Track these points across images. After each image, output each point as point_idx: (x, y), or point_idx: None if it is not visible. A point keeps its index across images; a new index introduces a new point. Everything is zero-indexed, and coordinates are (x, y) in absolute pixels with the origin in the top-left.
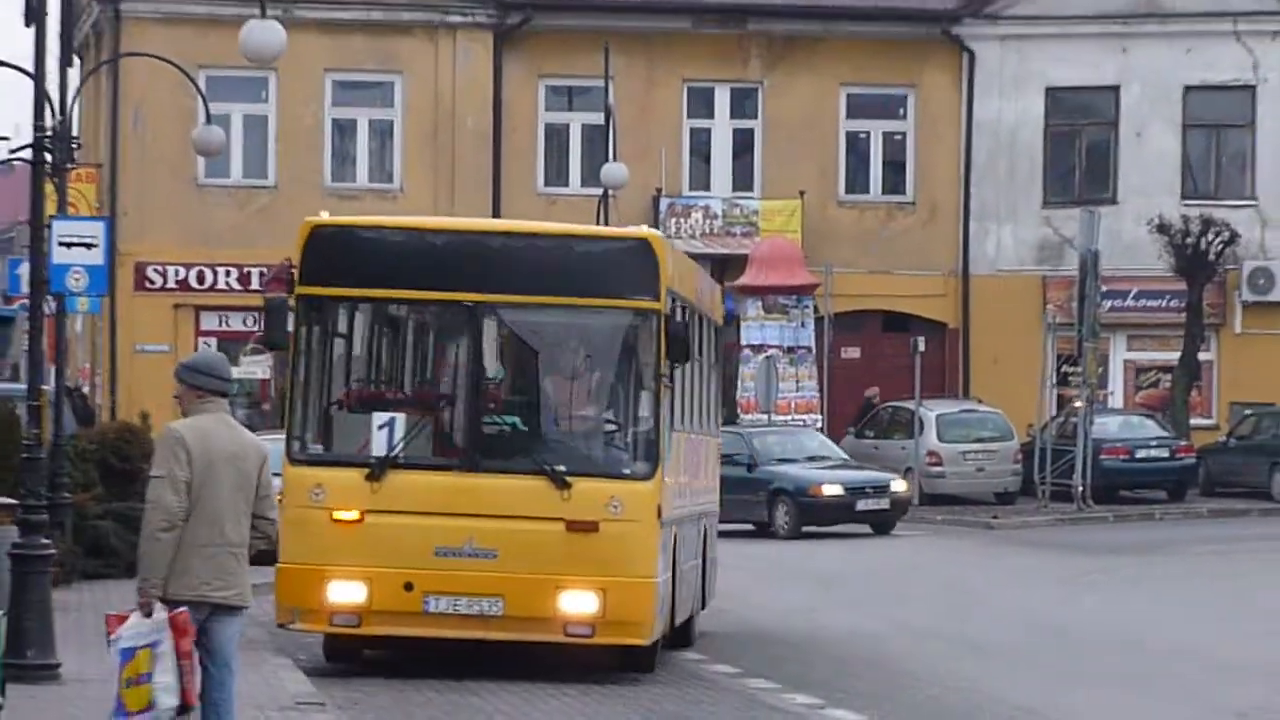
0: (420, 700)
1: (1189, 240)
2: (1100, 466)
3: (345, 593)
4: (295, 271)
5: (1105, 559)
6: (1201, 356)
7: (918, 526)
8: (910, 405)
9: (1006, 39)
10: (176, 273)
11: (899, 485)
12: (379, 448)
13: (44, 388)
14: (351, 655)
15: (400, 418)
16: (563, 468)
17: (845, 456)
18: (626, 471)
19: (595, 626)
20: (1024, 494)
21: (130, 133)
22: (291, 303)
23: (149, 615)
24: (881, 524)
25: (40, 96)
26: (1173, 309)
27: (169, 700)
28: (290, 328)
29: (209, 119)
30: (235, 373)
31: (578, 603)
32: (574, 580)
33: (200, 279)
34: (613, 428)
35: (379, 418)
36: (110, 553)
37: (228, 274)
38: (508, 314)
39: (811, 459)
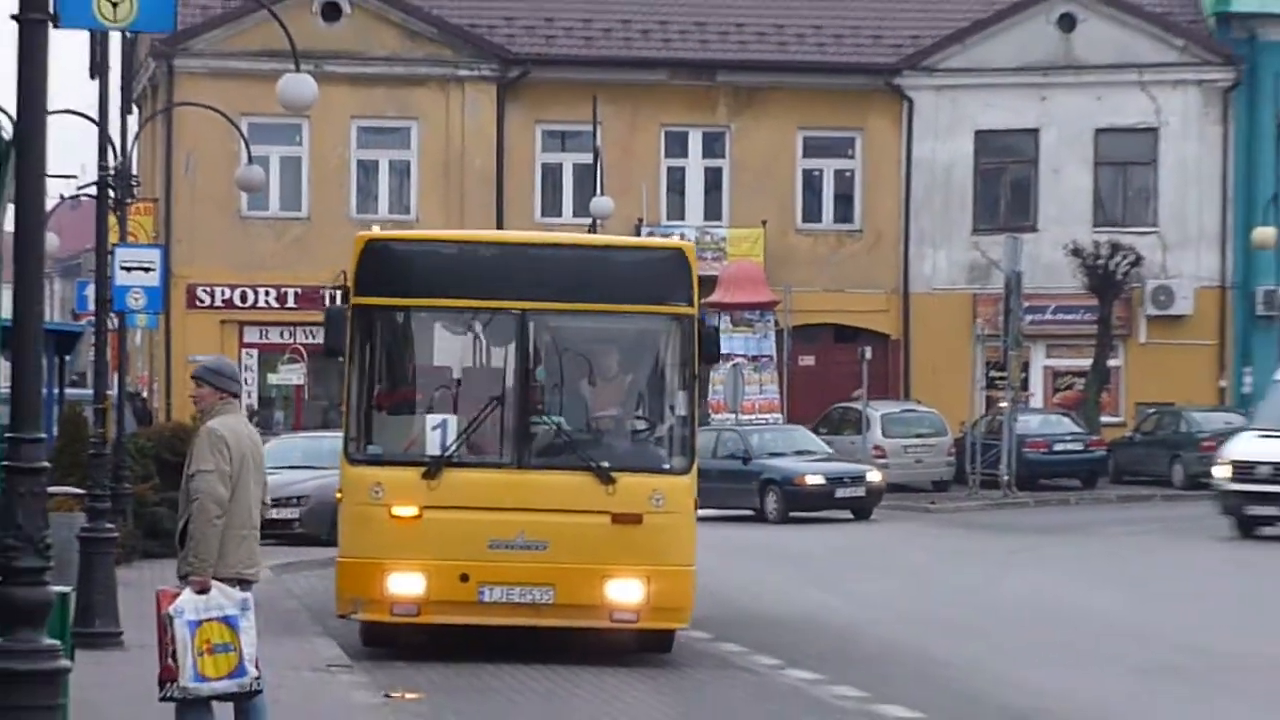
0: (450, 673)
1: (1099, 262)
2: (1023, 458)
3: (405, 584)
4: (350, 284)
5: (1030, 538)
6: (1111, 363)
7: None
8: (859, 406)
9: (941, 88)
10: (222, 293)
11: (874, 476)
12: (434, 447)
13: (108, 393)
14: (388, 640)
15: (453, 419)
16: (607, 464)
17: (830, 451)
18: (666, 466)
19: (639, 613)
20: (957, 482)
21: (182, 172)
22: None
23: (202, 593)
24: (860, 510)
25: (104, 141)
26: (1086, 322)
27: (252, 670)
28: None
29: (250, 160)
30: (273, 380)
31: (623, 591)
32: (620, 569)
33: (243, 298)
34: (652, 425)
35: (433, 419)
36: (166, 535)
37: (267, 294)
38: (552, 320)
39: (799, 453)
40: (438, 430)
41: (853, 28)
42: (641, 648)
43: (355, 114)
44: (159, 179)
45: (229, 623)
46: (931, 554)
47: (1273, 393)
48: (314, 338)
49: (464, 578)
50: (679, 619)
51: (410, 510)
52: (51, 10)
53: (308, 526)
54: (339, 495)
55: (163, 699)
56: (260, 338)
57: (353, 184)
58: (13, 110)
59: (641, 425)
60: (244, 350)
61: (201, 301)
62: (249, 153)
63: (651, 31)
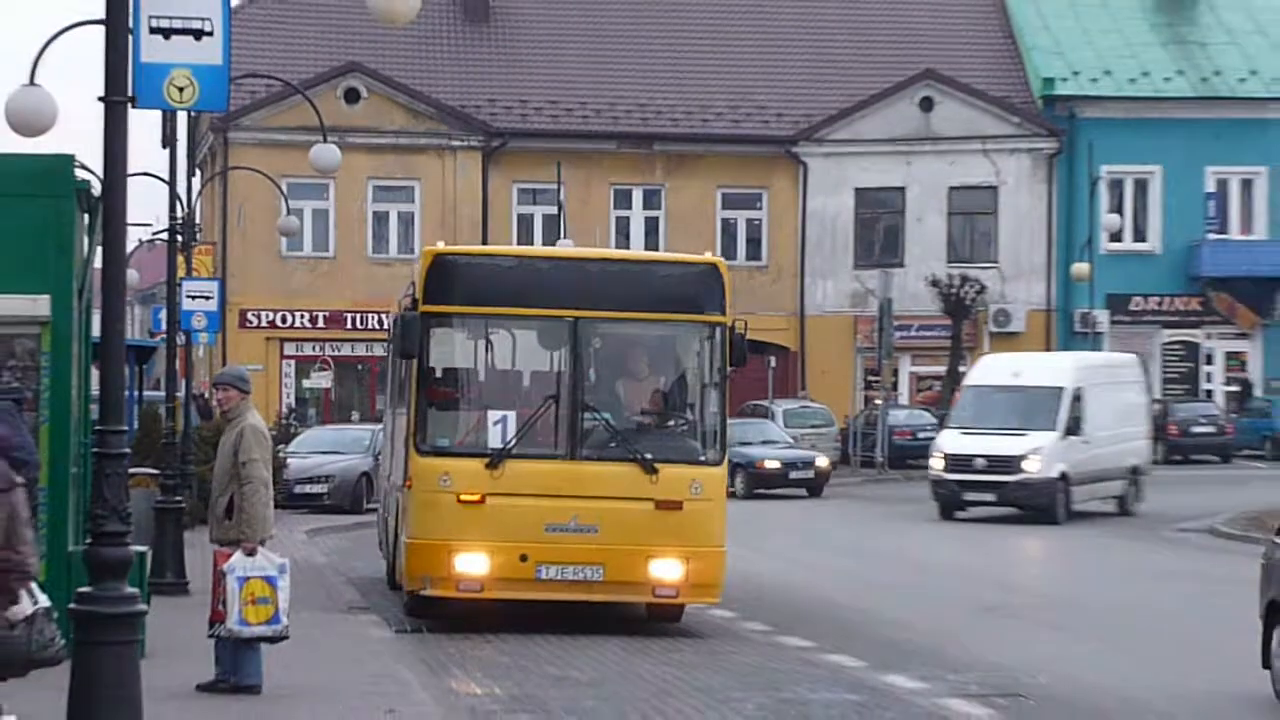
0: (479, 639)
1: (952, 291)
2: (893, 444)
3: (470, 563)
4: (419, 294)
5: (901, 506)
6: (961, 369)
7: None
8: (765, 403)
9: (828, 155)
10: (266, 316)
11: (822, 461)
12: (495, 440)
13: (177, 395)
14: (429, 613)
15: (512, 415)
16: (650, 456)
17: (791, 440)
18: (702, 458)
19: (679, 589)
20: (842, 463)
21: (234, 221)
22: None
23: (250, 555)
24: (813, 489)
25: (173, 197)
26: (942, 338)
27: (284, 620)
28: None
29: (288, 211)
30: (306, 384)
31: (666, 569)
32: (662, 550)
33: (283, 320)
34: (689, 422)
35: (494, 415)
36: None
37: (301, 317)
38: (600, 327)
39: (766, 442)
40: (499, 425)
41: (760, 107)
42: (652, 617)
43: (371, 175)
44: (217, 226)
45: (270, 581)
46: (822, 519)
47: (965, 396)
48: (339, 350)
49: (523, 558)
50: (713, 595)
51: (475, 497)
52: (131, 93)
53: (334, 499)
54: (408, 483)
55: (210, 636)
56: (296, 351)
57: (369, 230)
58: (100, 172)
59: (680, 421)
60: (284, 361)
61: (250, 322)
62: (287, 206)
63: (603, 110)
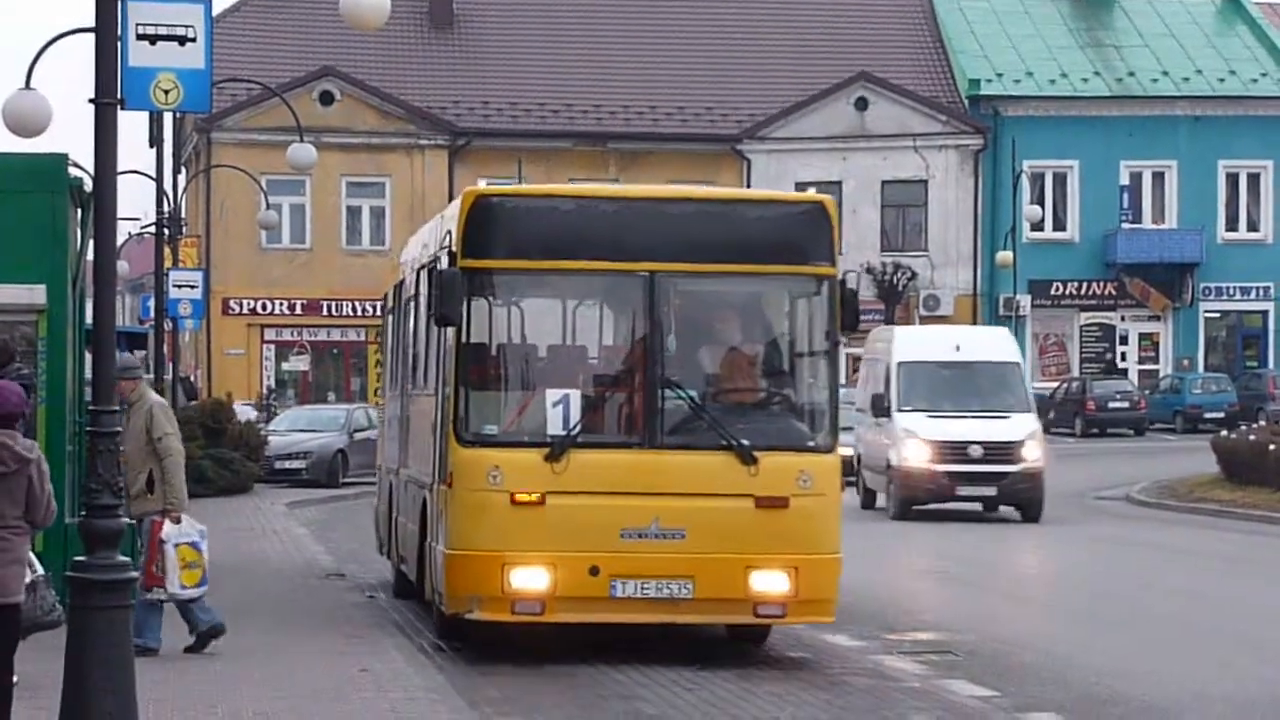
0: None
1: (886, 278)
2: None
3: (528, 579)
4: (456, 246)
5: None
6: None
7: None
8: None
9: (771, 152)
10: (248, 304)
11: None
12: (556, 426)
13: (165, 377)
14: (463, 634)
15: (576, 394)
16: (747, 442)
17: None
18: (811, 444)
19: (786, 606)
20: None
21: (218, 215)
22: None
23: (178, 523)
24: None
25: (160, 193)
26: (877, 321)
27: (208, 581)
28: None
29: (268, 206)
30: (285, 367)
31: (769, 582)
32: (765, 559)
33: (263, 308)
34: (794, 398)
35: (553, 395)
36: (208, 480)
37: (280, 304)
38: (684, 284)
39: None
40: (559, 407)
41: (707, 108)
42: (733, 637)
43: (344, 173)
44: (201, 220)
45: (195, 546)
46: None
47: (904, 374)
48: (316, 335)
49: (594, 571)
50: (827, 612)
51: (533, 497)
52: (120, 96)
53: (311, 474)
54: (446, 481)
55: (149, 601)
56: (276, 336)
57: (343, 224)
58: (91, 170)
59: (782, 399)
60: (264, 345)
61: (232, 310)
62: (267, 201)
63: (560, 111)
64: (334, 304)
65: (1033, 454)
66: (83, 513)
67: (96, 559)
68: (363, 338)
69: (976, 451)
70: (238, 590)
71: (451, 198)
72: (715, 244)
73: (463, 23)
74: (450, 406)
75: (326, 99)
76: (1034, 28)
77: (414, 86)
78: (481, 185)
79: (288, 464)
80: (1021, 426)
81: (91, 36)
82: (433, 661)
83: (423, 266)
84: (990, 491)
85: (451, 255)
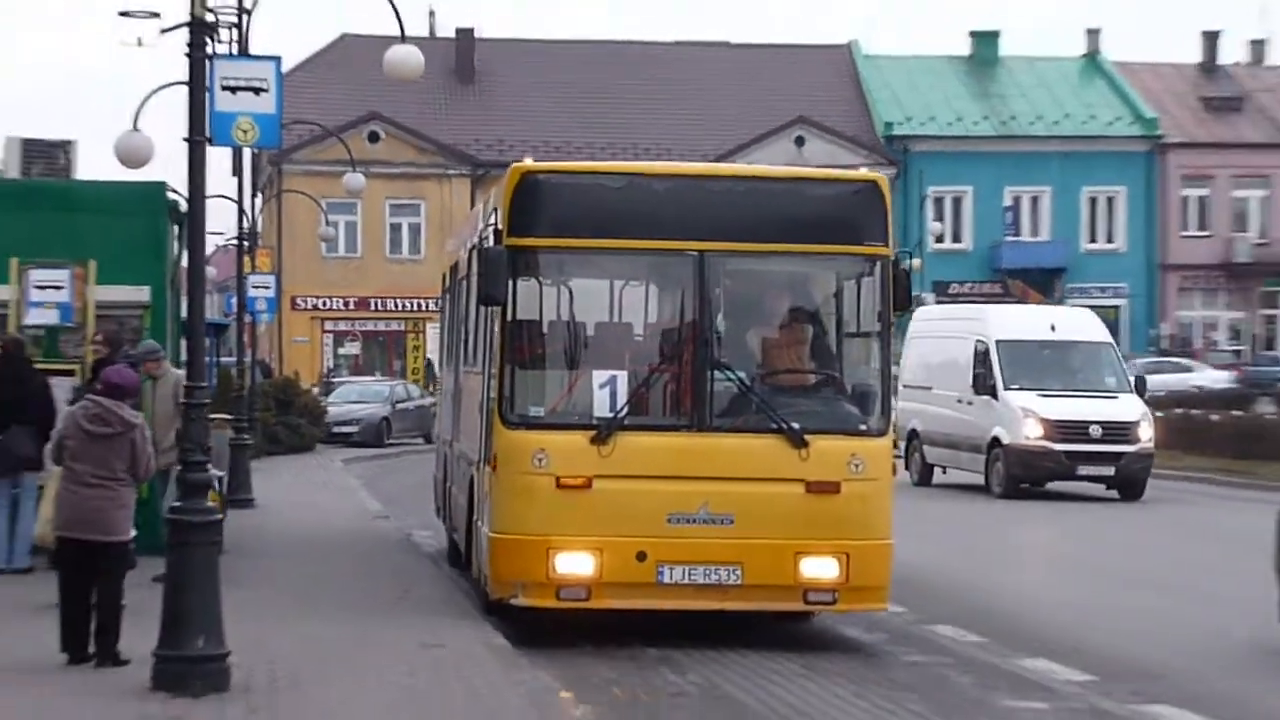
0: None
1: None
2: None
3: (574, 564)
4: (503, 223)
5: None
6: None
7: None
8: None
9: None
10: (311, 301)
11: None
12: (603, 409)
13: (245, 360)
14: (507, 613)
15: (623, 375)
16: (798, 425)
17: None
18: (863, 427)
19: (838, 593)
20: None
21: (287, 230)
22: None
23: None
24: None
25: (240, 213)
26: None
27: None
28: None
29: (327, 223)
30: (340, 351)
31: (820, 568)
32: (816, 545)
33: (323, 304)
34: (846, 381)
35: (600, 376)
36: (279, 441)
37: (337, 301)
38: (735, 263)
39: None
40: (606, 389)
41: (676, 143)
42: (779, 617)
43: (388, 196)
44: (273, 234)
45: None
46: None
47: (1002, 352)
48: (365, 326)
49: (641, 556)
50: (879, 599)
51: (579, 480)
52: (208, 135)
53: (361, 437)
54: (492, 463)
55: None
56: (333, 327)
57: (386, 237)
58: (185, 194)
59: (834, 381)
60: (324, 334)
61: (299, 306)
62: (326, 219)
63: (560, 148)
64: (380, 301)
65: (1146, 434)
66: (179, 467)
67: (191, 505)
68: (403, 328)
69: (1097, 431)
70: (306, 528)
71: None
72: (767, 223)
73: (481, 77)
74: (496, 387)
75: (373, 137)
76: (936, 81)
77: (443, 127)
78: (528, 161)
79: (342, 429)
80: (1134, 407)
81: (185, 88)
82: (459, 586)
83: (473, 246)
84: (1109, 471)
85: (497, 233)
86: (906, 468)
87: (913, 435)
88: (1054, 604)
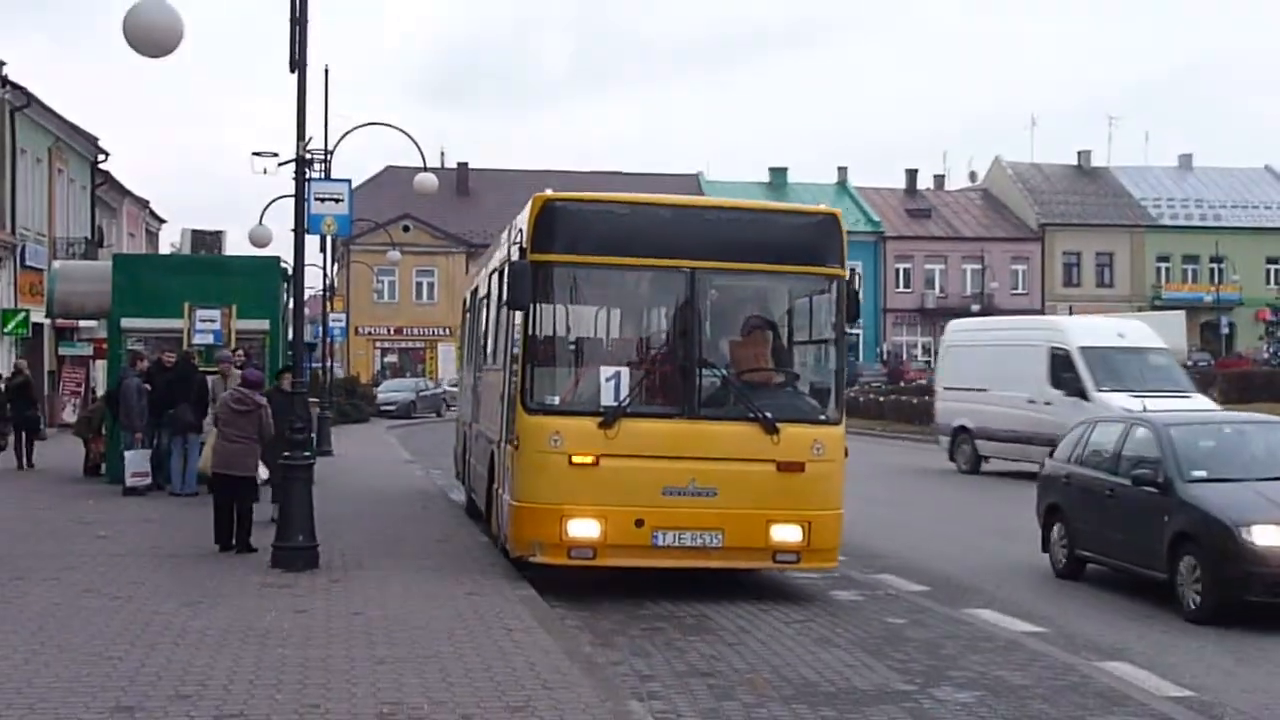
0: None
1: None
2: None
3: (582, 529)
4: (527, 242)
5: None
6: None
7: None
8: None
9: None
10: (369, 330)
11: None
12: (608, 398)
13: (327, 365)
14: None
15: (626, 371)
16: (771, 415)
17: None
18: (823, 417)
19: (800, 554)
20: None
21: (353, 287)
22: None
23: None
24: None
25: (324, 276)
26: None
27: None
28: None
29: (377, 282)
30: (385, 361)
31: (787, 534)
32: (783, 514)
33: (374, 332)
34: (809, 379)
35: (607, 371)
36: (347, 415)
37: (387, 329)
38: (719, 279)
39: None
40: (611, 382)
41: None
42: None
43: (414, 266)
44: (344, 287)
45: None
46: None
47: (1086, 358)
48: (399, 346)
49: (639, 523)
50: (832, 559)
51: (588, 458)
52: (305, 227)
53: (398, 413)
54: (514, 442)
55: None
56: (381, 346)
57: (413, 292)
58: (289, 261)
59: (800, 378)
60: (374, 350)
61: (360, 333)
62: (376, 279)
63: None
64: (409, 329)
65: None
66: (289, 430)
67: (295, 455)
68: (422, 347)
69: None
70: (365, 470)
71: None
72: (746, 246)
73: (474, 190)
74: (519, 379)
75: (406, 228)
76: (753, 197)
77: (448, 220)
78: (549, 191)
79: (386, 407)
80: (1206, 405)
81: (292, 199)
82: (476, 524)
83: (493, 271)
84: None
85: (522, 250)
86: (952, 459)
87: (959, 430)
88: (935, 548)
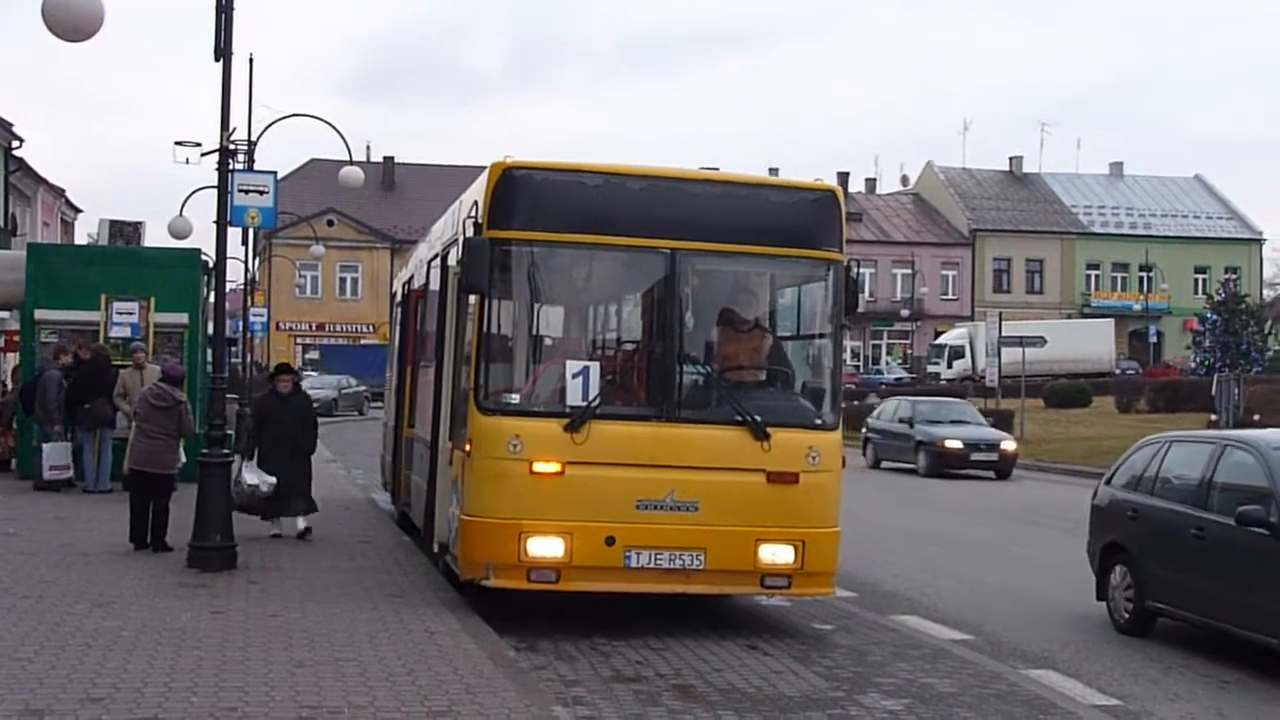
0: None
1: None
2: None
3: (544, 547)
4: (483, 216)
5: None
6: None
7: None
8: None
9: None
10: (290, 325)
11: (1009, 444)
12: (576, 397)
13: (247, 359)
14: (478, 591)
15: (595, 366)
16: (760, 418)
17: (984, 422)
18: (818, 421)
19: (792, 578)
20: None
21: (275, 281)
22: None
23: None
24: (1000, 471)
25: (246, 269)
26: None
27: None
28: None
29: (300, 276)
30: (306, 358)
31: (778, 555)
32: (774, 532)
33: (295, 327)
34: (803, 378)
35: (574, 366)
36: None
37: (308, 325)
38: (704, 262)
39: (956, 421)
40: (579, 378)
41: None
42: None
43: (338, 260)
44: (266, 281)
45: None
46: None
47: None
48: (321, 342)
49: (610, 540)
50: (828, 584)
51: (552, 466)
52: (228, 219)
53: (321, 410)
54: (466, 447)
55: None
56: (303, 343)
57: (336, 286)
58: (210, 254)
59: (794, 377)
60: (295, 345)
61: (282, 328)
62: (298, 273)
63: None
64: (331, 325)
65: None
66: (207, 428)
67: (213, 453)
68: (346, 343)
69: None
70: None
71: (392, 278)
72: (734, 225)
73: (399, 185)
74: (472, 375)
75: (330, 222)
76: None
77: (373, 216)
78: (508, 158)
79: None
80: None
81: (215, 190)
82: (387, 514)
83: (434, 256)
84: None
85: (478, 225)
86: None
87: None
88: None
